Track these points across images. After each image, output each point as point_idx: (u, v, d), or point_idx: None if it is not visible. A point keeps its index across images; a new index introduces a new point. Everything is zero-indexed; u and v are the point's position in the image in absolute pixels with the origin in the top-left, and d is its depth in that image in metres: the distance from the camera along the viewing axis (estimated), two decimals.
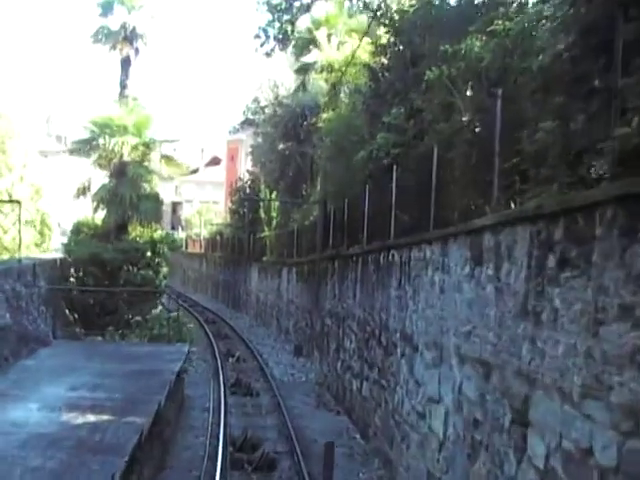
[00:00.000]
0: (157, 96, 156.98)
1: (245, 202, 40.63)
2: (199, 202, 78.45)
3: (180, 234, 72.27)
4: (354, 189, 18.87)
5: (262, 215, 36.05)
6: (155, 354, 16.36)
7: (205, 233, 57.08)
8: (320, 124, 27.15)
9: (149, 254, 26.47)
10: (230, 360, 25.18)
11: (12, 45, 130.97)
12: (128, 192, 24.56)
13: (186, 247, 65.39)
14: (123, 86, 29.08)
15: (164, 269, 27.50)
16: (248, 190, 41.65)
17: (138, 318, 17.84)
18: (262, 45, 39.16)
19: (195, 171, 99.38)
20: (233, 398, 19.40)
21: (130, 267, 25.45)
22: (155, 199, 25.74)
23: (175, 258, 72.59)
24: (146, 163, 25.82)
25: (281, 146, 33.22)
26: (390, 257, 13.33)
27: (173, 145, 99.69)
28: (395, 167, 13.56)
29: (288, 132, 32.18)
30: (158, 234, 26.60)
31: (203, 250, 55.35)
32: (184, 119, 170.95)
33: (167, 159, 26.77)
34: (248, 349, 27.65)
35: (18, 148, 38.71)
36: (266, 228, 35.55)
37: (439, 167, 10.99)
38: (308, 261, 24.82)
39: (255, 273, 37.65)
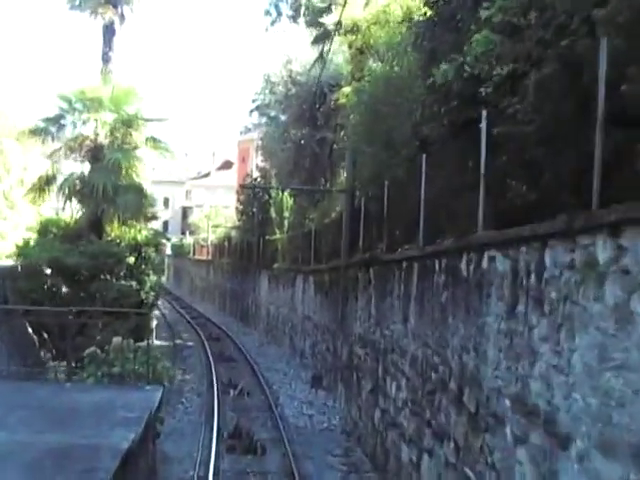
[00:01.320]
0: (161, 94, 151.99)
1: (254, 201, 34.93)
2: (210, 207, 72.76)
3: (189, 240, 66.86)
4: (397, 169, 13.19)
5: (273, 215, 30.30)
6: (107, 407, 10.58)
7: (213, 238, 51.42)
8: (342, 100, 21.54)
9: (132, 260, 20.82)
10: (231, 393, 19.44)
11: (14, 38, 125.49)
12: (102, 181, 18.94)
13: (194, 253, 59.84)
14: (106, 60, 23.59)
15: (152, 278, 21.83)
16: (257, 189, 35.95)
17: (91, 349, 12.31)
18: (273, 23, 33.56)
19: (206, 175, 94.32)
20: (229, 459, 13.62)
21: (108, 276, 19.85)
22: (137, 190, 20.04)
23: (183, 265, 67.05)
24: (127, 146, 20.21)
25: (295, 133, 27.54)
26: (484, 263, 7.55)
27: (184, 149, 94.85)
28: (484, 109, 7.83)
29: (303, 115, 26.49)
30: (144, 235, 20.95)
31: (210, 256, 49.67)
32: (194, 122, 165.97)
33: (153, 142, 21.06)
34: (254, 377, 21.88)
35: (16, 149, 33.46)
36: (277, 230, 29.83)
37: (612, 80, 5.26)
38: (329, 268, 19.06)
39: (265, 282, 31.90)
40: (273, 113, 29.55)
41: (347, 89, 21.12)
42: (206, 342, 29.13)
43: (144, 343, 12.46)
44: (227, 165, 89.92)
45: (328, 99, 26.37)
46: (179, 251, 67.62)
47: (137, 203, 19.62)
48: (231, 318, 39.68)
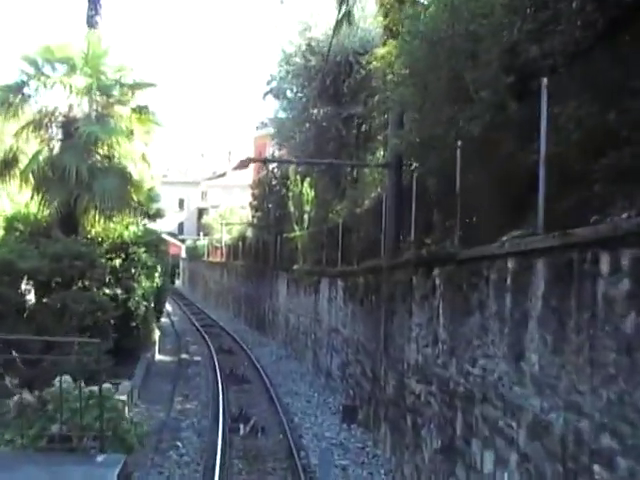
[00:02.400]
0: (175, 94, 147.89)
1: (270, 196, 30.60)
2: (225, 207, 68.65)
3: (203, 241, 62.77)
4: (473, 124, 8.79)
5: (291, 209, 25.93)
6: None
7: (227, 239, 47.13)
8: (376, 63, 17.18)
9: (117, 262, 16.54)
10: (241, 430, 15.06)
11: None
12: (75, 162, 14.65)
13: (208, 255, 55.63)
14: (91, 24, 19.29)
15: (145, 285, 17.50)
16: (274, 181, 31.60)
17: (16, 398, 7.97)
18: None
19: (222, 175, 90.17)
20: None
21: (87, 282, 15.55)
22: (119, 175, 15.63)
23: (198, 268, 62.85)
24: (107, 119, 15.89)
25: (316, 112, 23.11)
26: None
27: (201, 150, 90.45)
28: None
29: (325, 91, 22.07)
30: (132, 232, 16.64)
31: (224, 258, 45.37)
32: (210, 122, 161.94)
33: (140, 114, 16.62)
34: (271, 403, 17.46)
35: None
36: (296, 227, 25.43)
37: None
38: (365, 270, 14.61)
39: (283, 286, 27.51)
40: (290, 93, 25.10)
41: (382, 50, 16.68)
42: (216, 356, 24.81)
43: (94, 389, 8.01)
44: (244, 165, 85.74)
45: (355, 70, 21.97)
46: (193, 253, 63.56)
47: (119, 190, 15.22)
48: (246, 326, 35.36)
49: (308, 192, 25.32)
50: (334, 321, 18.30)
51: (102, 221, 15.79)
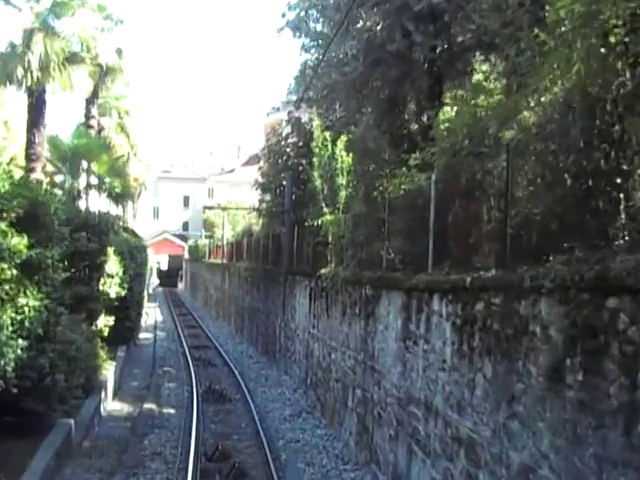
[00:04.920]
0: (186, 91, 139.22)
1: (286, 170, 20.91)
2: (228, 201, 58.98)
3: (206, 240, 53.19)
4: None
5: (317, 183, 16.13)
6: None
7: (229, 236, 37.43)
8: None
9: None
10: None
11: None
12: None
13: (209, 256, 45.99)
14: None
15: (33, 303, 7.83)
16: (291, 153, 21.89)
17: None
18: None
19: (231, 171, 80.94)
20: None
21: None
22: None
23: (200, 270, 53.27)
24: None
25: (362, 23, 13.49)
26: None
27: (209, 148, 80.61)
28: None
29: None
30: None
31: (225, 259, 35.67)
32: (220, 118, 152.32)
33: None
34: None
35: None
36: (326, 209, 15.63)
37: None
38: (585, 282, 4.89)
39: (303, 299, 17.72)
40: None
41: None
42: (199, 406, 15.20)
43: None
44: (253, 161, 76.39)
45: None
46: (195, 254, 54.02)
47: None
48: (250, 347, 25.61)
49: (343, 157, 15.56)
50: (423, 385, 8.51)
51: None
